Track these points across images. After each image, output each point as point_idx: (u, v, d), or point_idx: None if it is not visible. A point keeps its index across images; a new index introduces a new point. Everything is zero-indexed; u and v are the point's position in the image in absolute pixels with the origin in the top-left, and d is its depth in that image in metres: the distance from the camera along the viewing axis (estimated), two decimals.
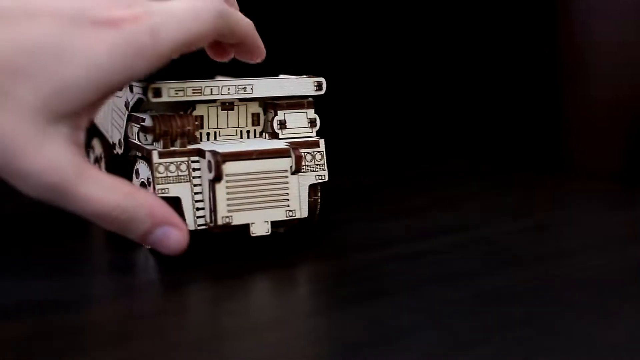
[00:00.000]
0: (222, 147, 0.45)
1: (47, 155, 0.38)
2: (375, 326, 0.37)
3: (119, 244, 0.46)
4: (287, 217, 0.46)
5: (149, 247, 0.44)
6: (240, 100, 0.47)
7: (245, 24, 0.45)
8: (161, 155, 0.45)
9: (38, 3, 0.39)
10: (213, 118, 0.47)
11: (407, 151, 0.70)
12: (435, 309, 0.38)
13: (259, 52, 0.47)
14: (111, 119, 0.49)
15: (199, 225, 0.45)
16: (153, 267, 0.45)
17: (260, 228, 0.45)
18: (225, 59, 0.48)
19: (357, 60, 0.82)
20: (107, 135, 0.50)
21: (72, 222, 0.43)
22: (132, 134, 0.47)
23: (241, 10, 0.47)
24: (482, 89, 0.84)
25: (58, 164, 0.39)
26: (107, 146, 0.51)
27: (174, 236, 0.42)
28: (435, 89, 0.82)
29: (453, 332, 0.36)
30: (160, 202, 0.42)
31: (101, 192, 0.40)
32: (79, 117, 0.40)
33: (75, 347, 0.35)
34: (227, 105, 0.47)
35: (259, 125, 0.48)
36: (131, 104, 0.46)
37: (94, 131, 0.52)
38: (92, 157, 0.53)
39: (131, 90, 0.46)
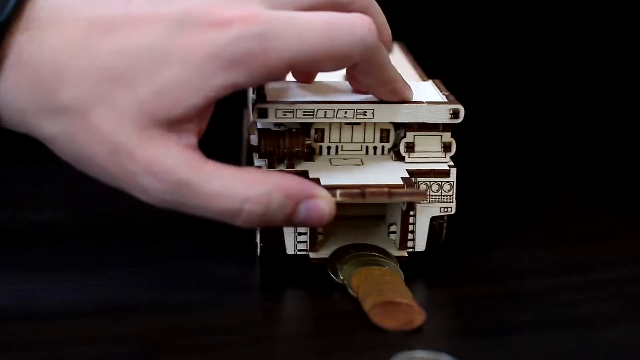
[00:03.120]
0: (331, 175, 0.42)
1: (155, 156, 0.37)
2: None
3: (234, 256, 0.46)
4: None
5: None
6: None
7: (390, 65, 0.41)
8: None
9: (144, 9, 0.37)
10: (335, 132, 0.43)
11: (574, 171, 0.61)
12: None
13: (406, 97, 0.42)
14: None
15: (298, 251, 0.43)
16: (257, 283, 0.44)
17: None
18: (361, 94, 0.43)
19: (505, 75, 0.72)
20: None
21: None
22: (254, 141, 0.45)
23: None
24: None
25: (169, 163, 0.37)
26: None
27: (319, 208, 0.39)
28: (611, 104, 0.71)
29: None
30: (291, 177, 0.39)
31: (225, 185, 0.37)
32: (184, 123, 0.37)
33: None
34: None
35: (388, 142, 0.44)
36: None
37: None
38: None
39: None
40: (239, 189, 0.37)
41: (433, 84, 0.45)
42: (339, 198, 0.40)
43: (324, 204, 0.39)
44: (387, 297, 0.39)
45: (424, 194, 0.41)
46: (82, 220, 0.50)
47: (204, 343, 0.38)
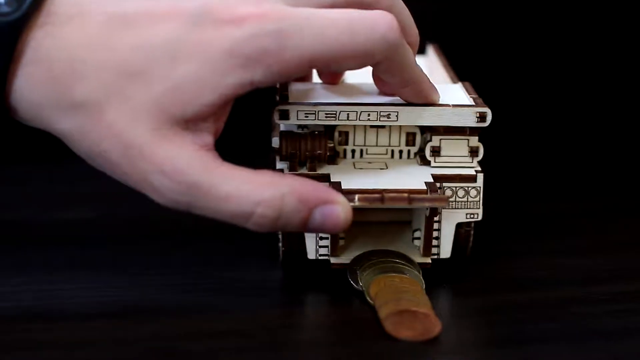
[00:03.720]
0: (353, 179, 0.41)
1: (168, 156, 0.36)
2: None
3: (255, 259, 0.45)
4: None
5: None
6: None
7: (415, 65, 0.40)
8: None
9: (163, 5, 0.37)
10: (360, 135, 0.43)
11: (603, 179, 0.59)
12: None
13: (432, 99, 0.41)
14: None
15: (320, 255, 0.42)
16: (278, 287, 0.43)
17: None
18: (387, 96, 0.42)
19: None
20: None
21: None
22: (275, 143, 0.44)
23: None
24: None
25: (181, 163, 0.36)
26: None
27: (335, 214, 0.38)
28: None
29: None
30: (307, 182, 0.38)
31: (237, 188, 0.36)
32: (199, 122, 0.37)
33: None
34: None
35: (414, 145, 0.43)
36: None
37: None
38: None
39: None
40: (252, 191, 0.37)
41: (462, 86, 0.44)
42: (357, 203, 0.39)
43: (340, 210, 0.38)
44: (403, 306, 0.38)
45: (445, 199, 0.40)
46: (108, 221, 0.50)
47: (220, 347, 0.37)
